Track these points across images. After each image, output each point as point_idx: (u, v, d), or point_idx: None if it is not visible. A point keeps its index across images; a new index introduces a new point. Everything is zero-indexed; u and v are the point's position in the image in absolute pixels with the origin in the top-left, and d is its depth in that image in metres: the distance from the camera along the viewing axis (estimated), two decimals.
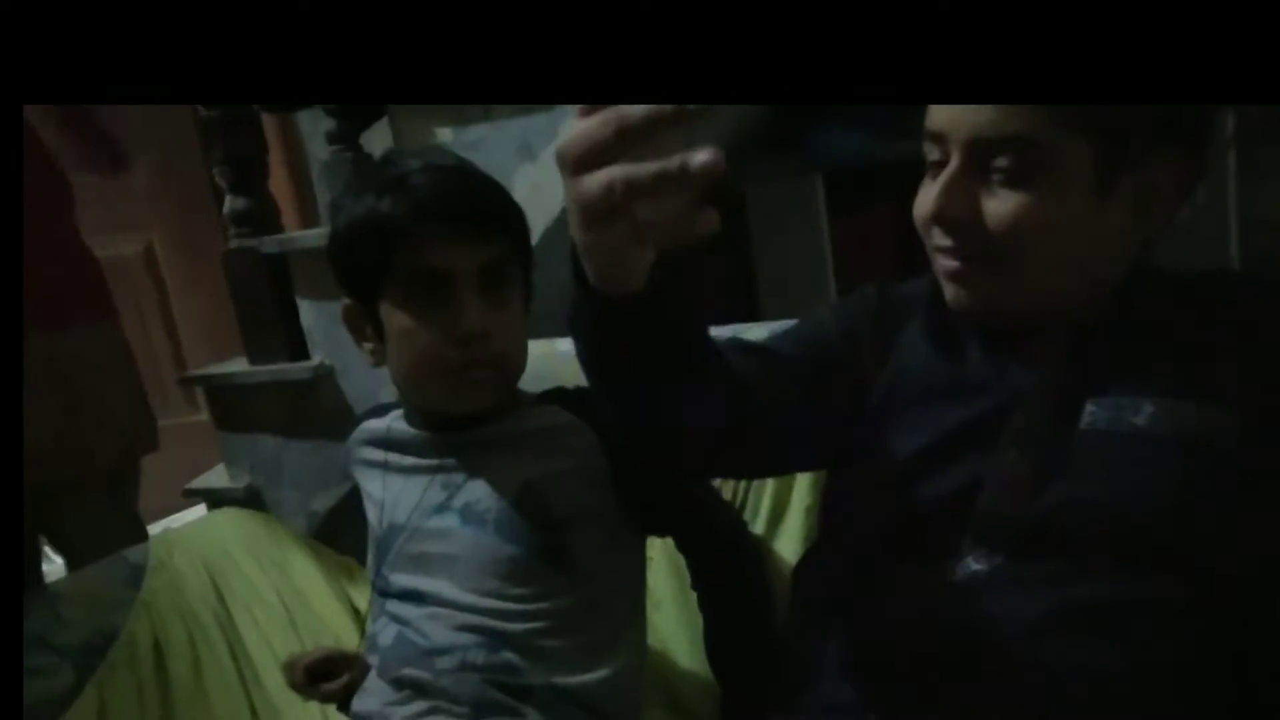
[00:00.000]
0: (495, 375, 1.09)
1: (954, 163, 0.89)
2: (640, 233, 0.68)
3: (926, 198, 0.92)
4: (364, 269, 1.08)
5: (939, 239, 0.92)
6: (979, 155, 0.87)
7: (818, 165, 2.43)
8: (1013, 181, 0.87)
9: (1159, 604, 0.83)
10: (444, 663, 1.04)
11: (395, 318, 1.07)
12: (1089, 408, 0.89)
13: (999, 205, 0.87)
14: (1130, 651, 0.83)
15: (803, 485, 1.30)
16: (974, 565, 0.88)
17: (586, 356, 0.87)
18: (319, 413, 1.88)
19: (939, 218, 0.90)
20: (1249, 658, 0.86)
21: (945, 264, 0.93)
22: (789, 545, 1.29)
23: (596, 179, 0.65)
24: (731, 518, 1.26)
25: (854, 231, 2.49)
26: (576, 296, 0.81)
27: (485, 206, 1.07)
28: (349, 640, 1.34)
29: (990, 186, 0.88)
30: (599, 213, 0.67)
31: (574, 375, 1.41)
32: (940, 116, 0.90)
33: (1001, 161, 0.87)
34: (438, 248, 1.04)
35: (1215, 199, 2.22)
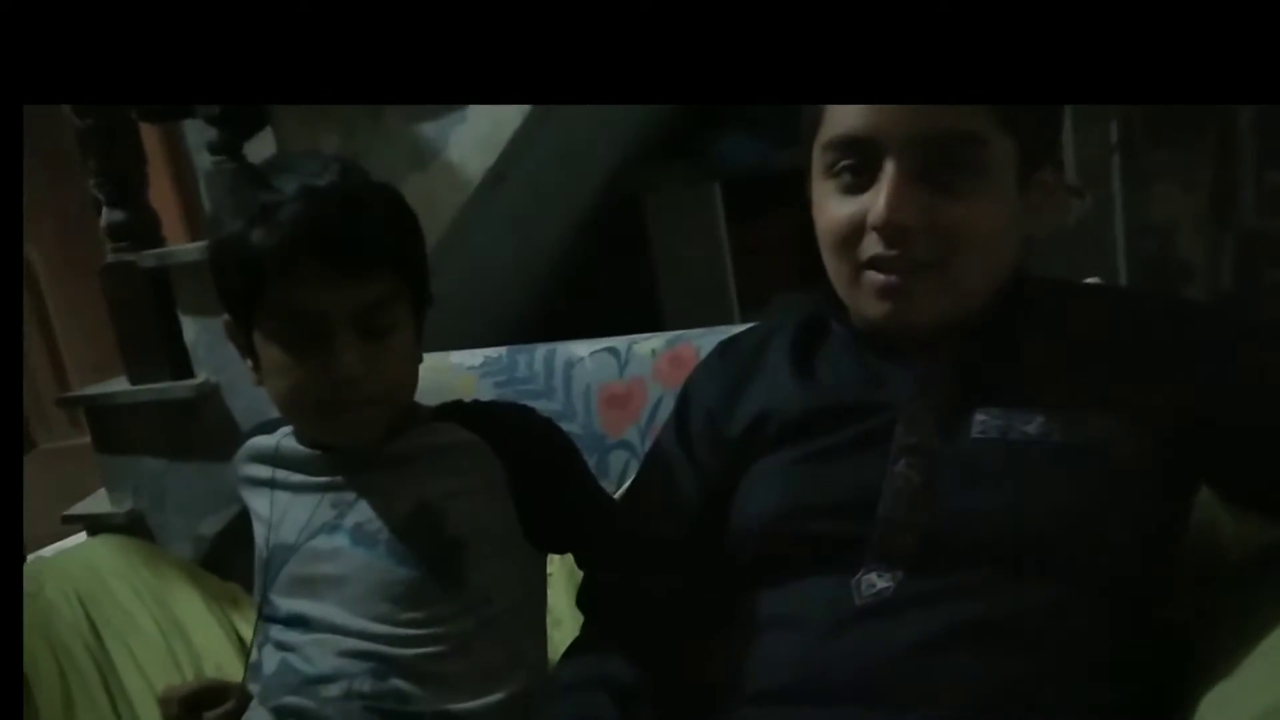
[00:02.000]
0: (376, 411, 1.04)
1: (895, 167, 0.85)
2: None
3: (846, 208, 0.89)
4: (235, 295, 1.02)
5: (877, 250, 0.88)
6: (921, 157, 0.85)
7: (715, 173, 2.44)
8: (956, 182, 0.85)
9: (1058, 611, 0.83)
10: (329, 691, 0.99)
11: (267, 350, 1.02)
12: (979, 417, 0.89)
13: (947, 207, 0.85)
14: (1032, 659, 0.83)
15: None
16: (878, 582, 0.87)
17: None
18: (204, 433, 1.83)
19: (889, 225, 0.86)
20: (1145, 659, 0.87)
21: (882, 278, 0.89)
22: None
23: None
24: None
25: (753, 237, 2.50)
26: None
27: (366, 242, 0.98)
28: (231, 670, 1.28)
29: (934, 191, 0.85)
30: None
31: (468, 388, 1.39)
32: (859, 120, 0.86)
33: (945, 162, 0.85)
34: (310, 289, 0.97)
35: (1102, 204, 2.27)
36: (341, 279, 0.97)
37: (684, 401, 1.08)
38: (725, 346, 1.07)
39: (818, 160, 0.92)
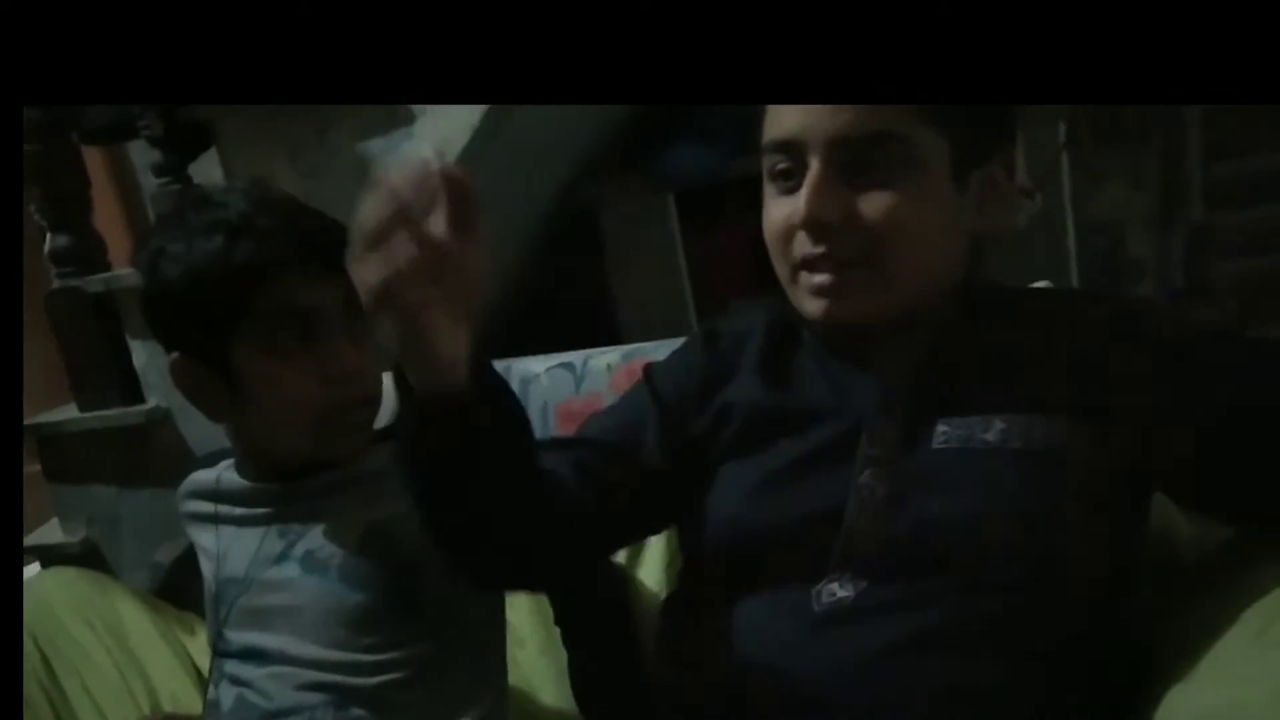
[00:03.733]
0: (371, 413, 1.05)
1: (816, 166, 0.86)
2: (434, 311, 0.72)
3: (782, 209, 0.90)
4: (212, 319, 1.00)
5: (806, 249, 0.89)
6: (842, 156, 0.86)
7: (668, 184, 2.43)
8: (881, 180, 0.86)
9: (1018, 617, 0.84)
10: None
11: (257, 366, 1.00)
12: (941, 427, 0.89)
13: (871, 204, 0.86)
14: (992, 666, 0.83)
15: None
16: (839, 591, 0.87)
17: (409, 468, 0.87)
18: (156, 459, 1.80)
19: (809, 223, 0.87)
20: (1104, 661, 0.87)
21: (813, 278, 0.90)
22: (651, 573, 1.27)
23: (376, 265, 0.70)
24: None
25: (708, 247, 2.50)
26: (400, 409, 0.82)
27: (338, 241, 0.99)
28: (188, 701, 1.27)
29: (858, 187, 0.86)
30: (393, 296, 0.70)
31: None
32: (790, 123, 0.87)
33: (867, 161, 0.85)
34: (303, 288, 0.99)
35: (1051, 203, 2.28)
36: (326, 275, 0.98)
37: (663, 374, 1.06)
38: (709, 335, 1.05)
39: (764, 164, 0.93)
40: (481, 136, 1.77)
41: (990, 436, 0.87)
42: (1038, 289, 1.05)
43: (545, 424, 1.36)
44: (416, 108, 1.71)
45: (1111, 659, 0.88)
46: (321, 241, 0.99)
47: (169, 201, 1.69)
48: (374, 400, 1.05)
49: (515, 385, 1.38)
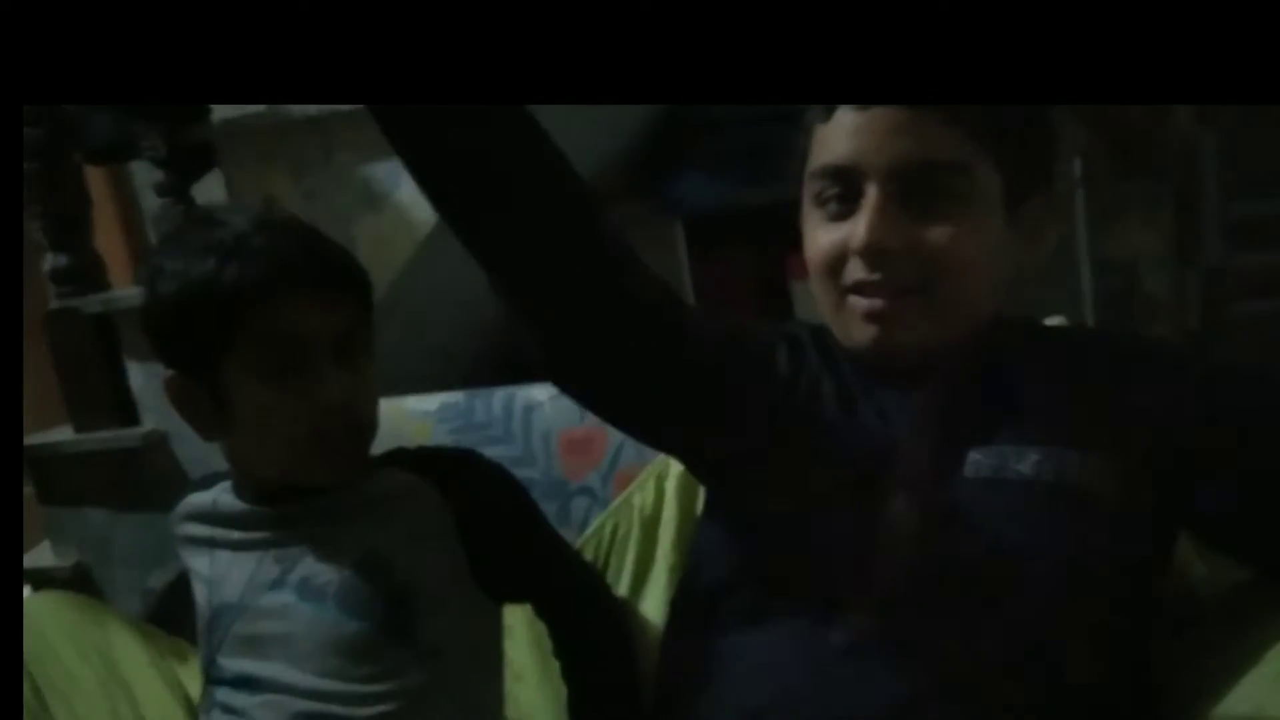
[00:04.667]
0: (359, 443, 1.03)
1: (876, 193, 0.86)
2: None
3: (831, 235, 0.90)
4: (202, 338, 0.99)
5: (860, 274, 0.89)
6: (901, 184, 0.86)
7: (675, 211, 2.43)
8: (938, 209, 0.86)
9: (1041, 652, 0.83)
10: None
11: (245, 389, 0.99)
12: (973, 456, 0.88)
13: (929, 233, 0.86)
14: (1015, 701, 0.82)
15: (666, 545, 1.26)
16: (861, 620, 0.85)
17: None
18: (151, 482, 1.80)
19: (869, 250, 0.87)
20: (1125, 699, 0.86)
21: (866, 303, 0.90)
22: (653, 606, 1.25)
23: None
24: (591, 577, 1.21)
25: (714, 275, 2.49)
26: None
27: (336, 267, 1.00)
28: None
29: (915, 215, 0.86)
30: None
31: (424, 434, 1.36)
32: (845, 149, 0.88)
33: (925, 189, 0.86)
34: (293, 313, 0.97)
35: (1067, 241, 2.27)
36: (319, 303, 0.97)
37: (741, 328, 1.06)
38: (776, 331, 1.05)
39: (807, 189, 0.93)
40: None
41: (1023, 468, 0.86)
42: (1071, 325, 1.07)
43: (549, 452, 1.35)
44: None
45: (1130, 696, 0.87)
46: (315, 267, 0.98)
47: (172, 221, 1.69)
48: (365, 430, 1.03)
49: (518, 412, 1.39)
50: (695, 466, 1.16)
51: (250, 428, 1.01)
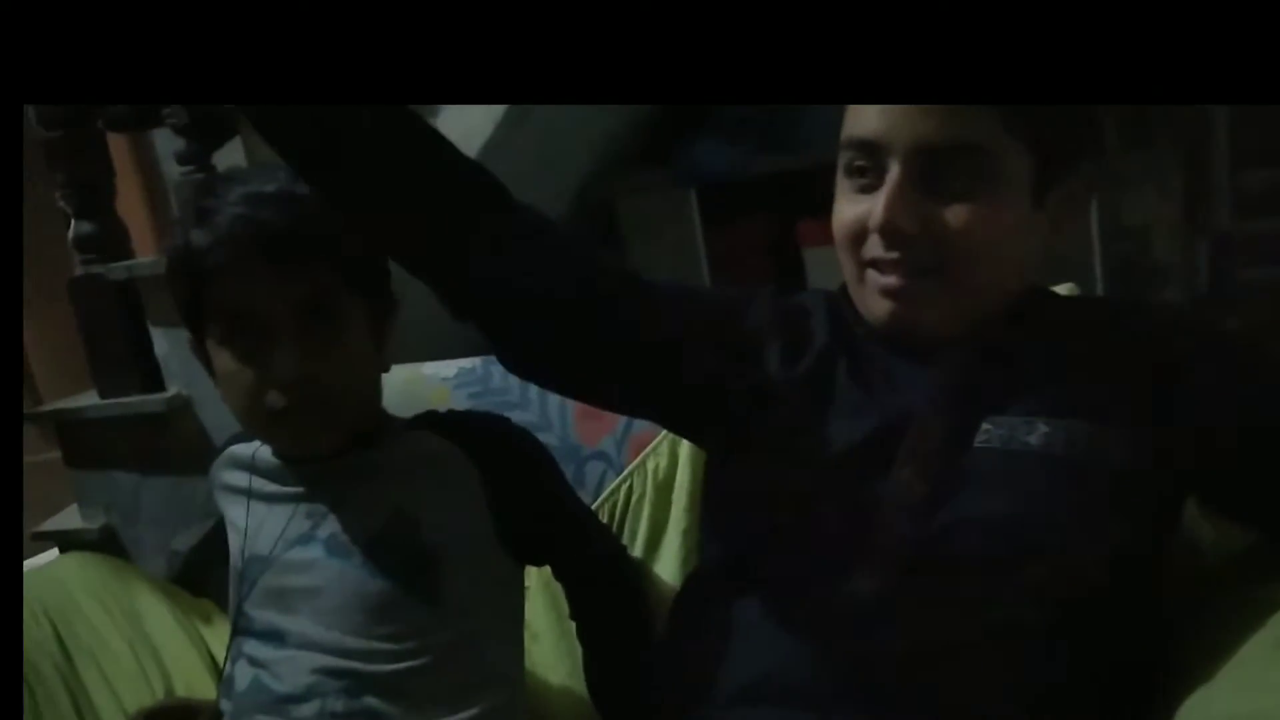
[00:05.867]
0: (325, 417, 1.02)
1: (896, 172, 0.86)
2: None
3: (855, 207, 0.90)
4: (185, 304, 1.02)
5: (878, 251, 0.89)
6: (924, 164, 0.85)
7: (690, 179, 2.43)
8: (961, 191, 0.85)
9: (1050, 619, 0.83)
10: (302, 711, 0.99)
11: (217, 357, 1.01)
12: (984, 426, 0.88)
13: (949, 215, 0.86)
14: (1022, 668, 0.83)
15: (679, 508, 1.28)
16: (870, 586, 0.86)
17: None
18: (176, 446, 1.80)
19: (887, 228, 0.87)
20: (1133, 662, 0.88)
21: (883, 280, 0.90)
22: (667, 569, 1.26)
23: None
24: (610, 541, 1.23)
25: (729, 242, 2.49)
26: None
27: (298, 237, 0.98)
28: (202, 688, 1.27)
29: (937, 196, 0.86)
30: None
31: (442, 400, 1.37)
32: (873, 122, 0.87)
33: (949, 170, 0.85)
34: (246, 286, 0.98)
35: None
36: (275, 274, 0.97)
37: (736, 301, 1.06)
38: (777, 299, 1.05)
39: (840, 158, 0.92)
40: (504, 129, 1.77)
41: (1032, 439, 0.87)
42: (1082, 296, 1.05)
43: (564, 416, 1.35)
44: None
45: (1134, 662, 0.88)
46: (268, 238, 0.97)
47: (188, 188, 1.70)
48: (333, 401, 1.02)
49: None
50: (691, 437, 1.18)
51: (225, 395, 1.03)
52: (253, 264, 0.96)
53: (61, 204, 1.83)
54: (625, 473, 1.32)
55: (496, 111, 1.74)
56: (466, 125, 1.73)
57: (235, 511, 1.12)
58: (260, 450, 1.11)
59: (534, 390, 1.35)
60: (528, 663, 1.18)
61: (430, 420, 1.12)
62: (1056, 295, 1.02)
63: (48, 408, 1.95)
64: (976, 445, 0.88)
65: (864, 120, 0.88)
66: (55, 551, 1.95)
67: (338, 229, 0.98)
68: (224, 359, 1.00)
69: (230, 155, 1.78)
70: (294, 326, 0.98)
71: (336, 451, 1.06)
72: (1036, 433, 0.87)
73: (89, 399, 1.88)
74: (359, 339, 1.03)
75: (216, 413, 1.75)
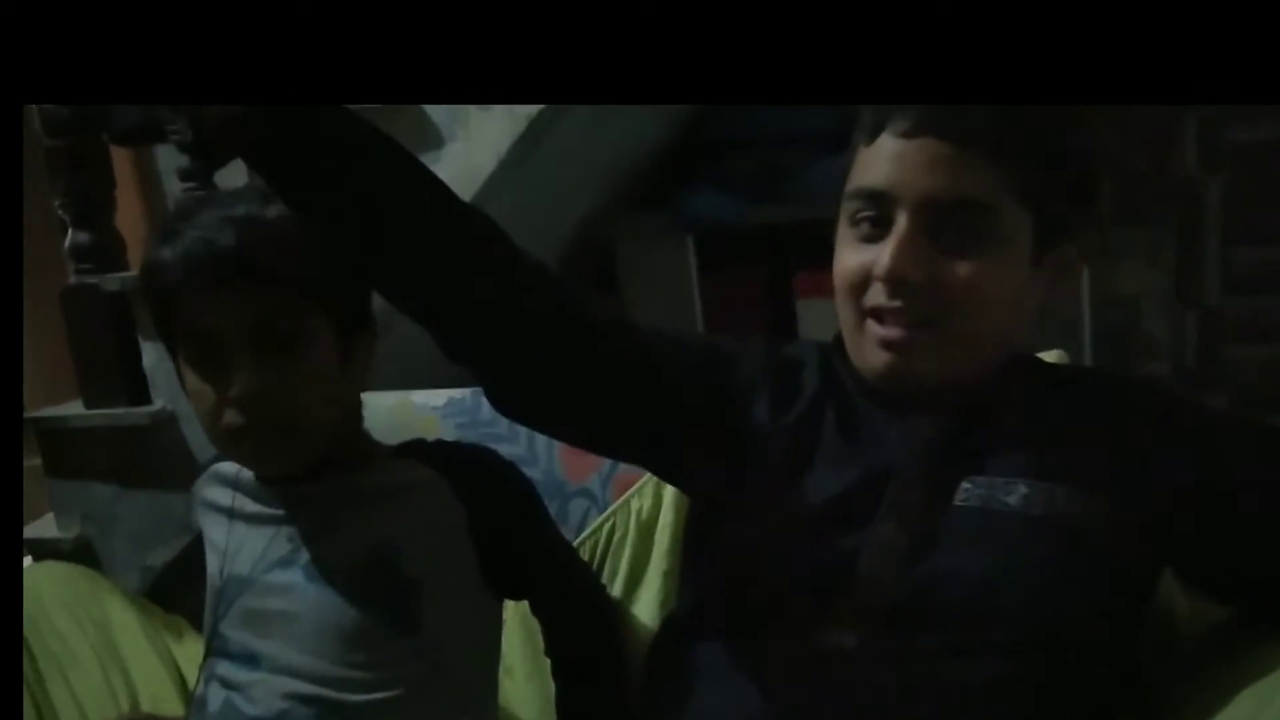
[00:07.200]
0: (283, 435, 1.01)
1: (903, 223, 0.87)
2: None
3: (859, 256, 0.91)
4: (155, 322, 1.03)
5: (880, 300, 0.90)
6: (931, 217, 0.87)
7: (689, 225, 2.44)
8: (965, 246, 0.87)
9: (1018, 681, 0.83)
10: None
11: (186, 375, 1.02)
12: (964, 484, 0.89)
13: (953, 269, 0.87)
14: None
15: (661, 548, 1.27)
16: (843, 639, 0.86)
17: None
18: (157, 461, 1.79)
19: (893, 276, 0.88)
20: None
21: (882, 330, 0.91)
22: (647, 609, 1.26)
23: None
24: (590, 579, 1.22)
25: (723, 290, 2.50)
26: None
27: (249, 260, 0.97)
28: (168, 704, 1.26)
29: (942, 250, 0.87)
30: None
31: (431, 429, 1.37)
32: (882, 174, 0.88)
33: (955, 225, 0.86)
34: (202, 306, 0.98)
35: None
36: (229, 294, 0.97)
37: (729, 350, 1.06)
38: (771, 351, 1.06)
39: (843, 208, 0.94)
40: (508, 166, 1.77)
41: (1012, 500, 0.88)
42: (1070, 365, 1.08)
43: (551, 457, 1.35)
44: (446, 132, 1.72)
45: None
46: (220, 260, 0.96)
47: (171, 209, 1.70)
48: (288, 425, 1.01)
49: None
50: (675, 483, 1.18)
51: (194, 410, 1.03)
52: (205, 284, 0.97)
53: (60, 212, 1.82)
54: (609, 512, 1.31)
55: (501, 147, 1.74)
56: (468, 163, 1.74)
57: (215, 530, 1.11)
58: (245, 470, 1.10)
59: None
60: (501, 698, 1.18)
61: (416, 449, 1.12)
62: (1045, 362, 1.04)
63: (31, 414, 1.93)
64: (957, 502, 0.89)
65: (873, 171, 0.89)
66: (29, 560, 1.93)
67: (297, 250, 0.97)
68: (190, 376, 1.01)
69: (233, 174, 1.79)
70: (248, 345, 0.98)
71: (314, 473, 1.05)
72: (1016, 494, 0.88)
73: (73, 408, 1.87)
74: (323, 358, 1.02)
75: (199, 429, 1.74)
